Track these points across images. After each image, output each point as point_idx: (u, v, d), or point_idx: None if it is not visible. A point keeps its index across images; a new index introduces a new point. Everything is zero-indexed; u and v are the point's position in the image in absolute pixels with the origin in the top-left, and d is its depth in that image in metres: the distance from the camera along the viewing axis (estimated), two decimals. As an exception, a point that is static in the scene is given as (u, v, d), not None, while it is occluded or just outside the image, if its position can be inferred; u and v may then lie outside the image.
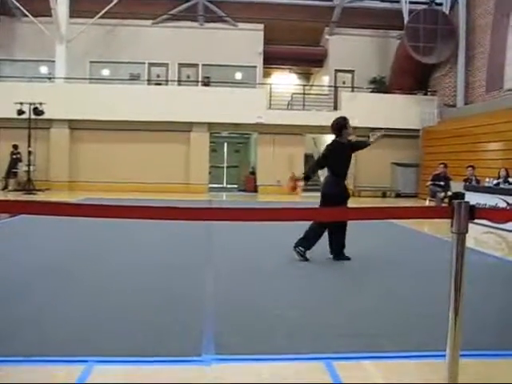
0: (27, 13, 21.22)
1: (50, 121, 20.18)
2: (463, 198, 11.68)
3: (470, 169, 14.38)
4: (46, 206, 2.79)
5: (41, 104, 18.52)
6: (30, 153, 18.76)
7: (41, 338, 3.75)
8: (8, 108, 18.36)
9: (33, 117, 18.60)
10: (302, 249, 7.11)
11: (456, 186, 14.37)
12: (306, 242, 7.12)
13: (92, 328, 4.03)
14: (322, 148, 25.31)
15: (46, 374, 3.20)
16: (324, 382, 3.17)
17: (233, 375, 3.28)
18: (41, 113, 18.60)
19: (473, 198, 11.22)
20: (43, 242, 8.39)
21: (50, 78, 22.00)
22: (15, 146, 20.14)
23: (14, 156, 20.16)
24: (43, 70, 23.44)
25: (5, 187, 19.80)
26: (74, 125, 21.11)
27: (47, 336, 3.81)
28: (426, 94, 22.38)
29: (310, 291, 5.43)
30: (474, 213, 2.71)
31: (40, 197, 17.11)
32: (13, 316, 4.27)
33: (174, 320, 4.28)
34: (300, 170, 21.90)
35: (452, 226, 2.71)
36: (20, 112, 18.44)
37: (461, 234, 2.70)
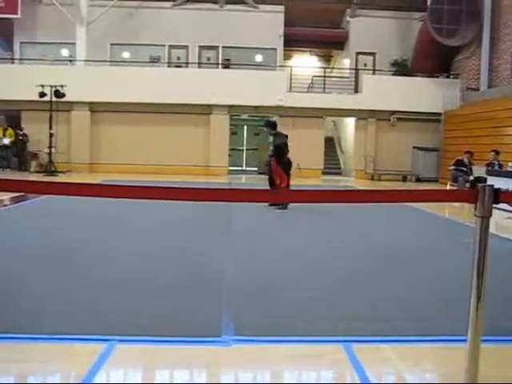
0: (48, -5, 21.30)
1: (71, 103, 20.30)
2: (485, 183, 11.52)
3: (493, 153, 14.18)
4: (70, 187, 2.82)
5: (62, 86, 18.62)
6: (51, 135, 18.92)
7: (63, 317, 3.81)
8: (30, 91, 18.49)
9: (54, 99, 18.72)
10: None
11: (478, 171, 14.19)
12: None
13: (114, 308, 4.09)
14: (343, 131, 25.17)
15: (68, 352, 3.26)
16: (342, 363, 3.18)
17: (252, 356, 3.30)
18: (62, 95, 18.72)
19: (495, 183, 11.04)
20: (66, 221, 8.49)
21: (70, 61, 22.09)
22: (20, 128, 20.56)
23: (20, 138, 20.46)
24: (64, 52, 23.53)
25: (23, 169, 20.25)
26: (95, 107, 21.23)
27: (69, 315, 3.87)
28: (448, 77, 22.02)
29: (331, 274, 5.43)
30: (498, 196, 2.68)
31: (61, 178, 17.28)
32: (35, 294, 4.34)
33: (194, 301, 4.31)
34: (320, 152, 21.87)
35: (476, 209, 2.67)
36: (41, 94, 18.57)
37: (484, 218, 2.67)
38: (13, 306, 4.03)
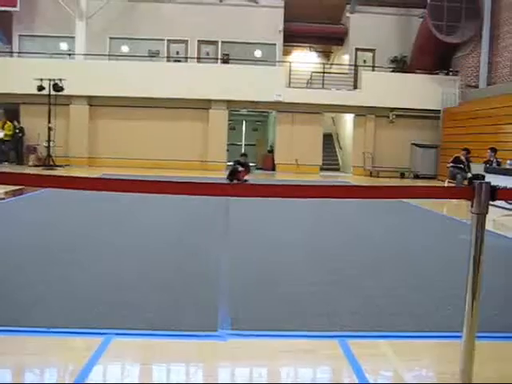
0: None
1: (70, 97, 20.26)
2: (483, 180, 11.54)
3: (489, 151, 14.19)
4: (70, 180, 2.82)
5: (61, 80, 18.60)
6: (49, 129, 18.90)
7: (60, 310, 3.82)
8: (28, 84, 18.46)
9: (53, 93, 18.68)
10: None
11: (476, 168, 14.20)
12: None
13: (110, 303, 4.09)
14: (341, 128, 25.24)
15: (66, 346, 3.27)
16: (338, 358, 3.19)
17: (248, 350, 3.32)
18: (60, 89, 18.69)
19: (493, 181, 11.06)
20: (64, 215, 8.49)
21: (69, 55, 22.04)
22: (18, 122, 20.64)
23: (17, 131, 20.47)
24: (63, 46, 23.46)
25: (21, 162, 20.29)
26: (94, 101, 21.20)
27: (66, 308, 3.88)
28: (447, 74, 22.00)
29: (328, 269, 5.44)
30: (494, 194, 2.69)
31: (60, 172, 17.26)
32: (32, 288, 4.35)
33: (191, 296, 4.33)
34: (318, 148, 21.86)
35: (472, 206, 2.68)
36: (40, 88, 18.53)
37: (481, 215, 2.68)
38: (9, 300, 4.03)
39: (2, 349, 3.18)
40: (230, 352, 3.28)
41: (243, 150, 25.53)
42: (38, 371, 3.00)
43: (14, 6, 21.58)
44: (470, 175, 14.03)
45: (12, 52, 22.75)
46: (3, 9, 21.87)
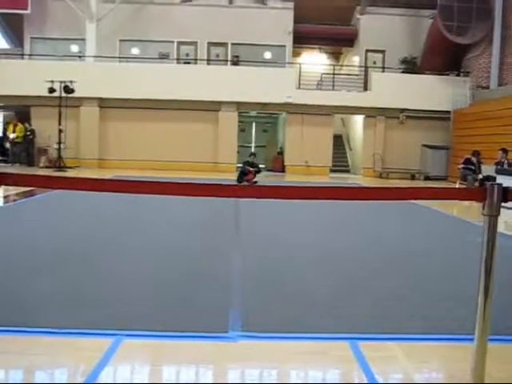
0: (58, -9, 21.39)
1: (80, 99, 20.36)
2: (495, 181, 11.47)
3: (501, 152, 14.10)
4: (81, 182, 2.83)
5: (71, 82, 18.68)
6: (60, 131, 18.99)
7: (70, 311, 3.84)
8: (39, 86, 18.54)
9: (63, 95, 18.78)
10: None
11: (487, 170, 14.12)
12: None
13: (120, 303, 4.10)
14: (351, 129, 25.25)
15: (75, 347, 3.28)
16: (348, 360, 3.18)
17: (259, 352, 3.31)
18: (71, 91, 18.78)
19: (505, 182, 10.98)
20: (74, 217, 8.53)
21: (80, 57, 22.16)
22: (29, 124, 20.76)
23: (28, 133, 20.57)
24: (74, 48, 23.60)
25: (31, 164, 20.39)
26: (104, 103, 21.28)
27: (76, 309, 3.89)
28: (458, 75, 21.89)
29: (339, 271, 5.42)
30: (506, 195, 2.66)
31: (71, 174, 17.35)
32: (43, 289, 4.37)
33: (202, 297, 4.33)
34: (328, 150, 21.81)
35: (484, 208, 2.66)
36: (51, 90, 18.63)
37: (492, 217, 2.65)
38: (20, 300, 4.05)
39: (12, 349, 3.20)
40: (240, 353, 3.27)
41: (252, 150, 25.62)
42: (48, 372, 3.01)
43: (25, 8, 21.75)
44: (480, 176, 13.95)
45: (23, 54, 22.91)
46: (15, 11, 22.04)
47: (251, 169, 15.66)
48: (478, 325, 2.70)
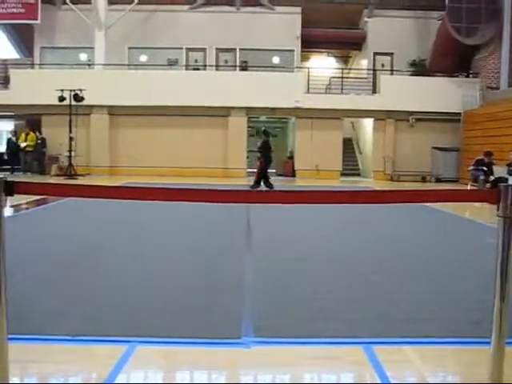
0: (67, 0, 21.55)
1: (90, 107, 20.48)
2: (507, 183, 11.39)
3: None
4: (94, 189, 2.84)
5: (81, 90, 18.79)
6: (71, 139, 19.10)
7: (84, 318, 3.84)
8: (49, 95, 18.68)
9: (73, 103, 18.91)
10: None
11: (499, 171, 14.02)
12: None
13: (134, 310, 4.11)
14: (361, 132, 25.23)
15: (90, 354, 3.29)
16: (363, 365, 3.15)
17: (272, 358, 3.29)
18: (81, 99, 18.89)
19: (517, 183, 10.92)
20: (87, 224, 8.56)
21: (89, 65, 22.31)
22: (40, 132, 20.98)
23: (39, 141, 20.72)
24: (83, 56, 23.76)
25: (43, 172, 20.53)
26: (114, 111, 21.40)
27: (90, 316, 3.90)
28: (467, 77, 21.80)
29: (352, 274, 5.39)
30: (520, 196, 2.63)
31: (82, 182, 17.44)
32: (56, 297, 4.38)
33: (214, 303, 4.32)
34: (338, 153, 21.76)
35: (498, 209, 2.63)
36: (61, 99, 18.77)
37: (507, 218, 2.62)
38: (34, 309, 4.06)
39: (27, 357, 3.20)
40: (253, 359, 3.26)
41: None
42: (62, 379, 3.01)
43: (36, 19, 21.94)
44: (492, 178, 13.86)
45: (33, 64, 23.12)
46: (25, 22, 22.25)
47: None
48: (495, 328, 2.67)
